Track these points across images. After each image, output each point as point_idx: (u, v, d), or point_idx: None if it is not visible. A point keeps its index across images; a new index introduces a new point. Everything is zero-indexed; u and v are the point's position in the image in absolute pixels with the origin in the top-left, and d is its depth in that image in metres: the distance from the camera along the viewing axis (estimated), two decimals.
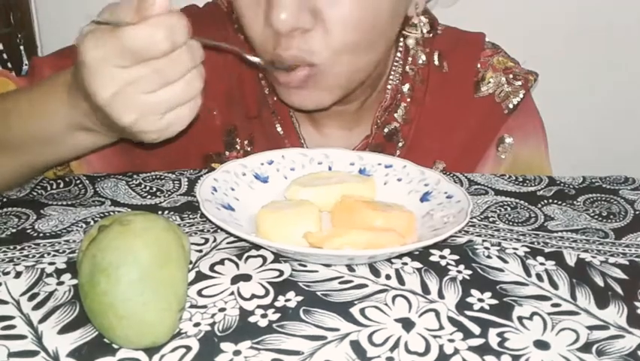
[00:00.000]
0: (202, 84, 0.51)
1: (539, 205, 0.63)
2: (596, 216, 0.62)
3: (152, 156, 0.70)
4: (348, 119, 0.78)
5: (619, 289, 0.50)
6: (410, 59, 0.77)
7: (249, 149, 0.76)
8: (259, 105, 0.76)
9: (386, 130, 0.77)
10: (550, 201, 0.65)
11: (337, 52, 0.62)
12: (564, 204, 0.64)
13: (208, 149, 0.76)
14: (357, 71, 0.67)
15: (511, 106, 0.78)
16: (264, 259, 0.51)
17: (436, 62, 0.78)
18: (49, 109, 0.57)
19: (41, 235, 0.54)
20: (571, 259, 0.54)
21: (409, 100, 0.77)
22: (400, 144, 0.77)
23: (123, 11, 0.47)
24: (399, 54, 0.76)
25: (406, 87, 0.77)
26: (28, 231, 0.55)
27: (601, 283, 0.51)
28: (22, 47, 1.44)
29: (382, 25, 0.64)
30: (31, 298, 0.46)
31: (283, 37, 0.61)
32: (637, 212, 0.63)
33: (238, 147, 0.76)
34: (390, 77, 0.77)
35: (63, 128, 0.57)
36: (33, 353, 0.41)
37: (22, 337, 0.42)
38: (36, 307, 0.45)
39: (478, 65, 0.79)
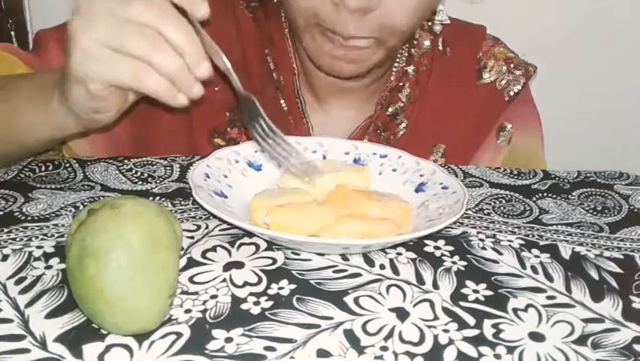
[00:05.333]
0: (153, 52, 0.47)
1: (534, 198, 0.63)
2: (591, 211, 0.61)
3: (157, 129, 0.70)
4: (355, 99, 0.78)
5: (614, 283, 0.50)
6: (415, 42, 0.78)
7: None
8: (263, 81, 0.75)
9: (390, 110, 0.77)
10: (545, 194, 0.64)
11: (395, 32, 0.65)
12: (559, 197, 0.64)
13: (211, 124, 0.75)
14: (400, 46, 0.71)
15: (511, 93, 0.79)
16: (257, 246, 0.51)
17: (440, 48, 0.79)
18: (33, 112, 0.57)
19: (29, 218, 0.53)
20: (566, 252, 0.53)
21: (413, 81, 0.78)
22: (403, 125, 0.77)
23: None
24: None
25: (410, 69, 0.78)
26: (16, 214, 0.53)
27: (596, 277, 0.50)
28: (12, 33, 1.42)
29: (431, 9, 0.69)
30: (18, 282, 0.45)
31: (347, 13, 0.61)
32: (631, 207, 0.63)
33: (240, 124, 0.75)
34: (397, 59, 0.78)
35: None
36: (19, 338, 0.39)
37: (8, 321, 0.41)
38: (23, 291, 0.44)
39: (480, 54, 0.80)
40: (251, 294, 0.45)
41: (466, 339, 0.42)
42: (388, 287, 0.47)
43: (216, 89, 0.74)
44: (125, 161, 0.64)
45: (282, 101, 0.76)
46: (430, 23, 0.77)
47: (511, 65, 0.80)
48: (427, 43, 0.78)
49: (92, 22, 0.47)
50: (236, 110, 0.75)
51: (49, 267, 0.47)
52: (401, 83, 0.77)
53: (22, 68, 0.68)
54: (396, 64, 0.78)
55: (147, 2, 0.47)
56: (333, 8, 0.62)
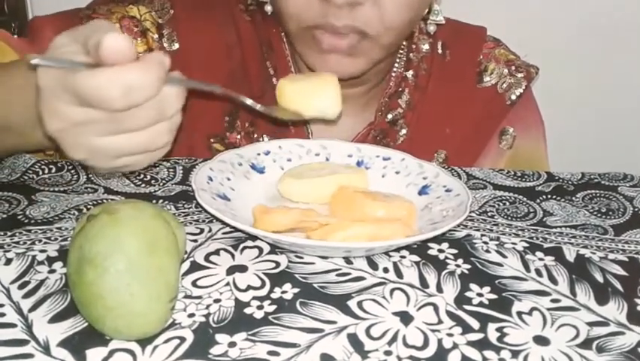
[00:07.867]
0: (171, 137, 0.45)
1: (538, 201, 0.63)
2: (595, 213, 0.61)
3: None
4: (354, 106, 0.78)
5: (619, 286, 0.49)
6: (414, 46, 0.77)
7: (251, 129, 0.75)
8: (263, 87, 0.75)
9: (390, 116, 0.77)
10: (549, 196, 0.64)
11: (389, 27, 0.64)
12: (563, 200, 0.63)
13: (211, 129, 0.75)
14: (394, 45, 0.70)
15: (513, 97, 0.79)
16: (260, 250, 0.51)
17: (440, 51, 0.78)
18: (18, 103, 0.52)
19: (32, 221, 0.53)
20: (570, 255, 0.53)
21: (412, 86, 0.77)
22: (403, 131, 0.77)
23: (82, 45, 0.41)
24: (404, 42, 0.76)
25: (409, 73, 0.77)
26: (19, 217, 0.53)
27: (600, 280, 0.50)
28: (16, 36, 1.42)
29: (426, 5, 0.69)
30: (21, 287, 0.45)
31: (335, 8, 0.61)
32: (636, 209, 0.62)
33: (239, 129, 0.75)
34: (396, 64, 0.77)
35: (29, 122, 0.51)
36: (23, 342, 0.39)
37: (11, 325, 0.41)
38: (26, 296, 0.44)
39: (481, 57, 0.80)
40: (254, 298, 0.45)
41: (470, 343, 0.42)
42: (392, 291, 0.47)
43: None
44: None
45: None
46: (424, 24, 0.77)
47: (513, 68, 0.79)
48: (426, 47, 0.78)
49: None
50: (235, 115, 0.75)
51: (52, 271, 0.47)
52: (400, 89, 0.77)
53: (12, 55, 0.67)
54: (394, 69, 0.77)
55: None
56: (321, 4, 0.62)
